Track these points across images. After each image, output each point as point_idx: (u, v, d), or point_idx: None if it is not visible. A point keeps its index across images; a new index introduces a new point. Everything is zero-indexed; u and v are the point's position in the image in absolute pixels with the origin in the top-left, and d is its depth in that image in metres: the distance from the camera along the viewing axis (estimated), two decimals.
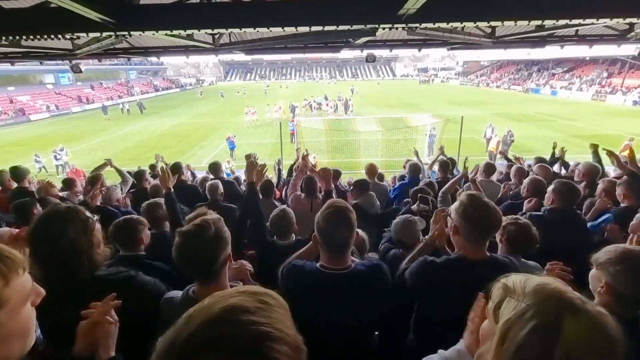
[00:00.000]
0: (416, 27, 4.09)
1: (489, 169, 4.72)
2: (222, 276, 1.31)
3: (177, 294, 1.37)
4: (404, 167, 7.40)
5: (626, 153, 11.08)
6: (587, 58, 41.52)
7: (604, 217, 2.77)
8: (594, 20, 3.61)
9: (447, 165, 4.86)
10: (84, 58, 6.74)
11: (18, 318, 0.72)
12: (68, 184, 4.21)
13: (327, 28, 3.85)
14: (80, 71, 7.21)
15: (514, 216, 2.07)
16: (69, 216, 1.32)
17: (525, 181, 3.25)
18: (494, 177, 4.79)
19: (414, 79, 75.00)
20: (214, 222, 1.27)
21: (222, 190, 3.64)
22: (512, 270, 1.46)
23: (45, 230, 1.28)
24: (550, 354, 0.60)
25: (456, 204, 1.57)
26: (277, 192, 5.14)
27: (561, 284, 0.70)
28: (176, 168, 4.72)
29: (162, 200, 2.64)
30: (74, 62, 6.86)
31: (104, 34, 3.95)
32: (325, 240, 1.48)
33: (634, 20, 4.25)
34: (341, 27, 3.77)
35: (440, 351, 1.07)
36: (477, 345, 1.00)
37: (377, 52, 7.97)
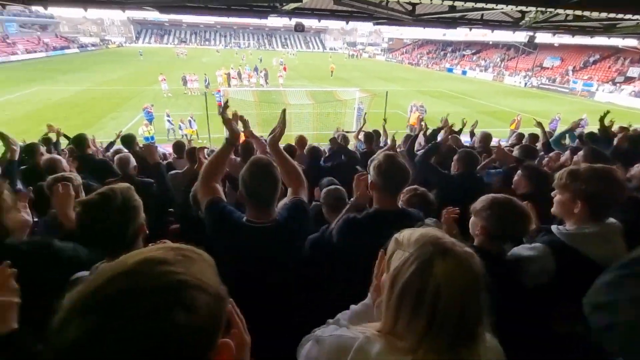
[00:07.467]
0: None
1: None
2: (136, 249, 1.22)
3: (85, 273, 1.25)
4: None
5: (514, 126, 13.32)
6: (490, 42, 46.73)
7: (497, 170, 3.51)
8: (494, 5, 4.05)
9: (372, 137, 5.14)
10: None
11: None
12: None
13: None
14: None
15: (415, 186, 2.37)
16: None
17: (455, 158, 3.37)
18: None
19: (343, 52, 75.74)
20: (121, 191, 1.19)
21: (135, 164, 3.29)
22: (417, 218, 1.71)
23: None
24: (425, 290, 0.72)
25: (374, 162, 1.74)
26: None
27: (439, 232, 0.82)
28: (80, 140, 4.13)
29: (72, 175, 2.33)
30: None
31: None
32: (251, 195, 1.49)
33: (524, 9, 4.89)
34: None
35: (352, 306, 1.19)
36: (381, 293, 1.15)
37: (306, 22, 7.81)
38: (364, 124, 6.12)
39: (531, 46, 36.73)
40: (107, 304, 0.45)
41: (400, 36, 65.61)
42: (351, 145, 5.89)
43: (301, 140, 4.89)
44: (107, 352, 0.42)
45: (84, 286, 0.48)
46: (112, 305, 0.45)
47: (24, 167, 3.70)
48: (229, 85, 23.17)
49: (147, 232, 1.31)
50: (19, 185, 2.98)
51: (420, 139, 5.50)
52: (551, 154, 3.87)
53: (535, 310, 1.52)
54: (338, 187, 2.53)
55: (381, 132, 6.32)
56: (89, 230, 1.16)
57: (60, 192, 1.64)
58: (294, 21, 7.29)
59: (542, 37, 10.68)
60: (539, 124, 4.59)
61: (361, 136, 5.61)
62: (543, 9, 5.22)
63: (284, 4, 5.31)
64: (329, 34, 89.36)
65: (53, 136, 5.37)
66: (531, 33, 8.49)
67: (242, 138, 5.74)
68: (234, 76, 25.37)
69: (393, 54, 67.08)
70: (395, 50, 69.58)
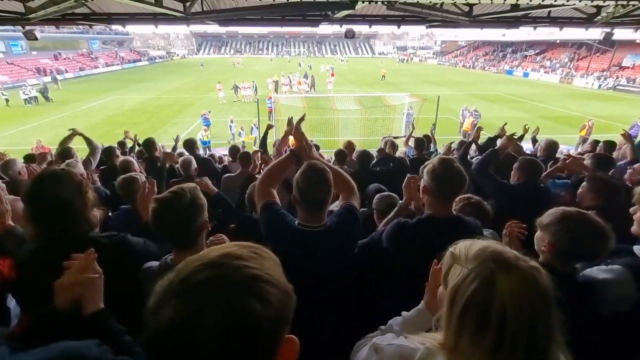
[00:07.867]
0: (396, 2, 4.05)
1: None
2: (199, 243, 1.36)
3: (154, 263, 1.40)
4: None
5: (584, 132, 11.97)
6: (557, 41, 42.71)
7: (564, 181, 3.19)
8: (565, 1, 3.70)
9: (423, 143, 4.97)
10: (38, 24, 6.17)
11: None
12: (30, 160, 3.97)
13: None
14: (36, 38, 6.58)
15: (469, 195, 2.22)
16: (64, 177, 1.35)
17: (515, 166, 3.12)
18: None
19: (393, 57, 74.43)
20: (189, 190, 1.32)
21: (196, 166, 3.59)
22: (473, 227, 1.61)
23: (41, 189, 1.31)
24: (489, 307, 0.68)
25: (428, 166, 1.67)
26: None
27: (499, 246, 0.77)
28: (148, 144, 4.56)
29: (138, 175, 2.61)
30: (27, 28, 6.27)
31: None
32: (304, 199, 1.51)
33: (600, 3, 4.40)
34: None
35: (404, 313, 1.16)
36: (435, 303, 1.09)
37: (357, 28, 7.83)
38: (413, 130, 5.95)
39: (607, 44, 32.81)
40: (197, 288, 0.52)
41: (454, 38, 62.73)
42: (400, 152, 5.76)
43: (350, 146, 4.91)
44: (200, 327, 0.49)
45: (174, 274, 0.56)
46: (200, 289, 0.52)
47: (103, 167, 4.20)
48: (277, 92, 24.06)
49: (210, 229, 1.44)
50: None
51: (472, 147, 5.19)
52: (635, 166, 3.40)
53: (611, 337, 1.35)
54: (390, 193, 2.49)
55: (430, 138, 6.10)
56: (162, 223, 1.31)
57: (147, 189, 1.91)
58: (344, 28, 7.36)
59: (621, 33, 9.52)
60: (627, 136, 3.94)
61: (411, 142, 5.45)
62: (624, 2, 4.65)
63: (336, 12, 5.39)
64: (378, 39, 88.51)
65: (129, 142, 6.03)
66: (608, 29, 7.59)
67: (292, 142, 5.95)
68: (285, 83, 26.27)
69: (446, 57, 64.36)
70: (448, 53, 66.72)
